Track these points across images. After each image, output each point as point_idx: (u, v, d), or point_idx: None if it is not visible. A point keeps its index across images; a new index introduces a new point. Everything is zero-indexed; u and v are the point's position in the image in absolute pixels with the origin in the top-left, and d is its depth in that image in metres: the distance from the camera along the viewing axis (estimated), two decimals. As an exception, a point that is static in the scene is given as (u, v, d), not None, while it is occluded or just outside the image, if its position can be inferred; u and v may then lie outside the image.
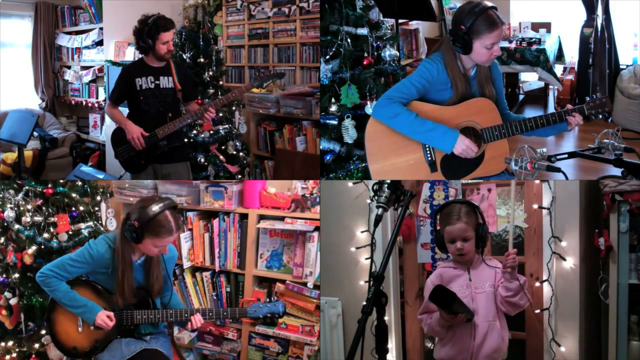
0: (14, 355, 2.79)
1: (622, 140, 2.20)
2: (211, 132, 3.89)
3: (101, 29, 5.47)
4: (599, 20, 5.18)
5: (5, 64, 5.96)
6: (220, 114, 4.01)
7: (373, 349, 1.79)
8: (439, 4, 6.11)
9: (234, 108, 4.13)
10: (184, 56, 3.97)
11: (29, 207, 2.73)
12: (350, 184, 3.00)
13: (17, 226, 2.70)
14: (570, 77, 5.75)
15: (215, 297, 3.22)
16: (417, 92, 2.35)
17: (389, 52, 3.21)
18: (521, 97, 6.37)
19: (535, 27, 5.89)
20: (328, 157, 3.13)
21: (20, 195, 2.74)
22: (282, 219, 2.97)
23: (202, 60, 3.97)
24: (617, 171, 2.29)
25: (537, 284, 2.59)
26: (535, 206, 2.59)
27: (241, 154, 4.13)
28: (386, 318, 2.08)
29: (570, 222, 2.53)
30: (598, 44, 5.24)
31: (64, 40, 6.14)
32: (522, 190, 2.68)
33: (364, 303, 1.68)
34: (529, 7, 6.32)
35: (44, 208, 2.76)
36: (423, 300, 2.39)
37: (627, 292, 2.43)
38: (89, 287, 2.33)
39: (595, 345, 2.63)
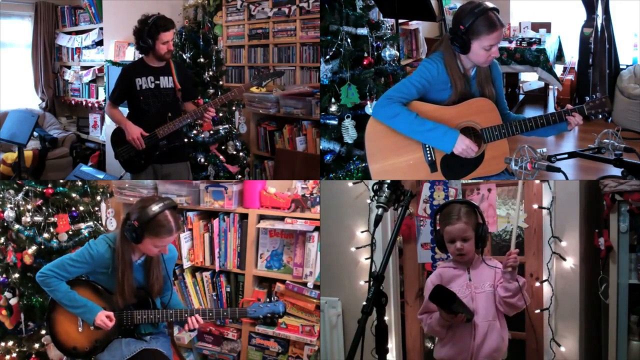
0: (14, 355, 2.79)
1: (622, 140, 2.20)
2: (211, 132, 3.89)
3: (101, 29, 5.47)
4: (599, 20, 5.18)
5: (5, 64, 5.96)
6: (220, 114, 4.01)
7: (373, 349, 1.79)
8: (439, 4, 6.11)
9: (234, 108, 4.13)
10: (184, 56, 3.96)
11: (29, 207, 2.73)
12: (350, 184, 3.00)
13: (17, 226, 2.70)
14: (570, 77, 5.75)
15: (215, 297, 3.22)
16: (417, 92, 2.35)
17: (389, 52, 3.21)
18: (521, 97, 6.37)
19: (535, 27, 5.90)
20: (328, 157, 3.13)
21: (20, 195, 2.74)
22: (282, 219, 2.97)
23: (202, 60, 3.97)
24: (617, 171, 2.29)
25: (537, 284, 2.59)
26: (535, 206, 2.59)
27: (241, 154, 4.13)
28: (386, 318, 2.08)
29: (570, 222, 2.53)
30: (598, 44, 5.24)
31: (64, 40, 6.14)
32: (516, 190, 2.67)
33: (364, 303, 1.68)
34: (529, 7, 6.32)
35: (44, 208, 2.76)
36: (423, 300, 2.39)
37: (627, 292, 2.43)
38: (89, 287, 2.33)
39: (595, 345, 2.63)
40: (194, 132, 3.84)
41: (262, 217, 3.06)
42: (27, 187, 2.76)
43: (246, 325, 3.08)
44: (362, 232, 2.95)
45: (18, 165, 4.60)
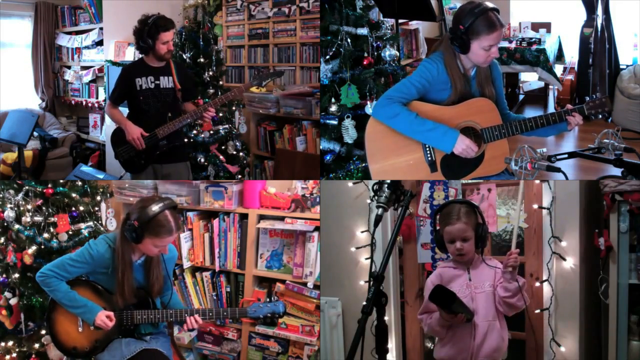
0: (14, 355, 2.79)
1: (622, 140, 2.20)
2: (211, 132, 3.88)
3: (101, 29, 5.47)
4: (599, 20, 5.18)
5: (5, 64, 5.96)
6: (220, 114, 4.01)
7: (373, 349, 1.79)
8: (439, 4, 6.11)
9: (234, 108, 4.13)
10: (184, 56, 3.96)
11: (29, 207, 2.73)
12: (350, 184, 3.00)
13: (17, 226, 2.70)
14: (570, 77, 5.76)
15: (215, 297, 3.22)
16: (417, 92, 2.35)
17: (389, 52, 3.21)
18: (521, 97, 6.37)
19: (535, 27, 5.90)
20: (328, 157, 3.13)
21: (20, 195, 2.74)
22: (282, 219, 2.97)
23: (202, 60, 3.97)
24: (617, 171, 2.29)
25: (537, 284, 2.59)
26: (535, 206, 2.59)
27: (241, 154, 4.13)
28: (386, 318, 2.08)
29: (570, 222, 2.53)
30: (598, 44, 5.24)
31: (64, 40, 6.14)
32: (517, 190, 2.67)
33: (364, 303, 1.68)
34: (529, 7, 6.32)
35: (44, 208, 2.76)
36: (423, 300, 2.39)
37: (627, 292, 2.43)
38: (89, 287, 2.33)
39: (595, 345, 2.63)
40: (194, 132, 3.84)
41: (262, 217, 3.06)
42: (27, 187, 2.76)
43: (246, 325, 3.08)
44: (362, 232, 2.95)
45: (18, 165, 4.60)
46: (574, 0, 5.53)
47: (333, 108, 3.07)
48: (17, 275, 2.74)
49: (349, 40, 3.08)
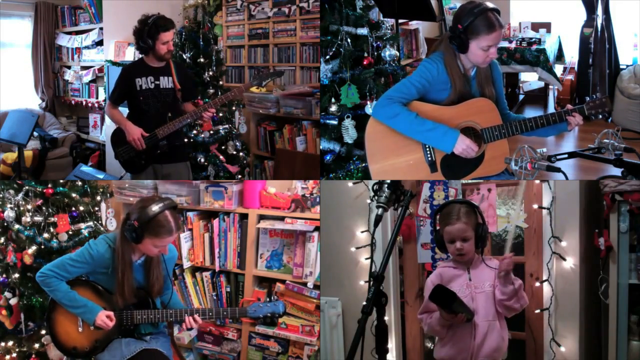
0: (14, 355, 2.79)
1: (622, 140, 2.20)
2: (211, 132, 3.89)
3: (101, 29, 5.47)
4: (599, 20, 5.18)
5: (5, 64, 5.96)
6: (220, 114, 4.01)
7: (373, 349, 1.79)
8: (439, 4, 6.11)
9: (234, 108, 4.13)
10: (184, 56, 3.96)
11: (29, 207, 2.73)
12: (350, 184, 3.00)
13: (17, 226, 2.70)
14: (570, 77, 5.76)
15: (215, 297, 3.22)
16: (417, 92, 2.35)
17: (389, 52, 3.21)
18: (521, 97, 6.37)
19: (535, 27, 5.90)
20: (328, 157, 3.13)
21: (20, 195, 2.74)
22: (282, 219, 2.97)
23: (202, 60, 3.97)
24: (617, 171, 2.29)
25: (537, 284, 2.59)
26: (535, 206, 2.59)
27: (241, 154, 4.13)
28: (386, 318, 2.08)
29: (570, 222, 2.53)
30: (598, 44, 5.24)
31: (64, 40, 6.14)
32: (517, 190, 2.67)
33: (364, 303, 1.68)
34: (529, 7, 6.33)
35: (44, 208, 2.76)
36: (423, 300, 2.39)
37: (627, 292, 2.43)
38: (89, 287, 2.33)
39: (595, 345, 2.63)
40: (194, 132, 3.84)
41: (262, 217, 3.06)
42: (27, 187, 2.76)
43: (246, 325, 3.08)
44: (362, 232, 2.95)
45: (18, 165, 4.60)
46: (574, 0, 5.53)
47: (333, 108, 3.07)
48: (17, 275, 2.74)
49: (349, 40, 3.08)
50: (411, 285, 2.97)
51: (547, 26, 5.92)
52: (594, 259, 2.55)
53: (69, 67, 6.21)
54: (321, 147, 3.17)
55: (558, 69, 5.73)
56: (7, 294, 2.77)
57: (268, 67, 4.83)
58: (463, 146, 2.28)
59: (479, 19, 2.22)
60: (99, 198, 2.96)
